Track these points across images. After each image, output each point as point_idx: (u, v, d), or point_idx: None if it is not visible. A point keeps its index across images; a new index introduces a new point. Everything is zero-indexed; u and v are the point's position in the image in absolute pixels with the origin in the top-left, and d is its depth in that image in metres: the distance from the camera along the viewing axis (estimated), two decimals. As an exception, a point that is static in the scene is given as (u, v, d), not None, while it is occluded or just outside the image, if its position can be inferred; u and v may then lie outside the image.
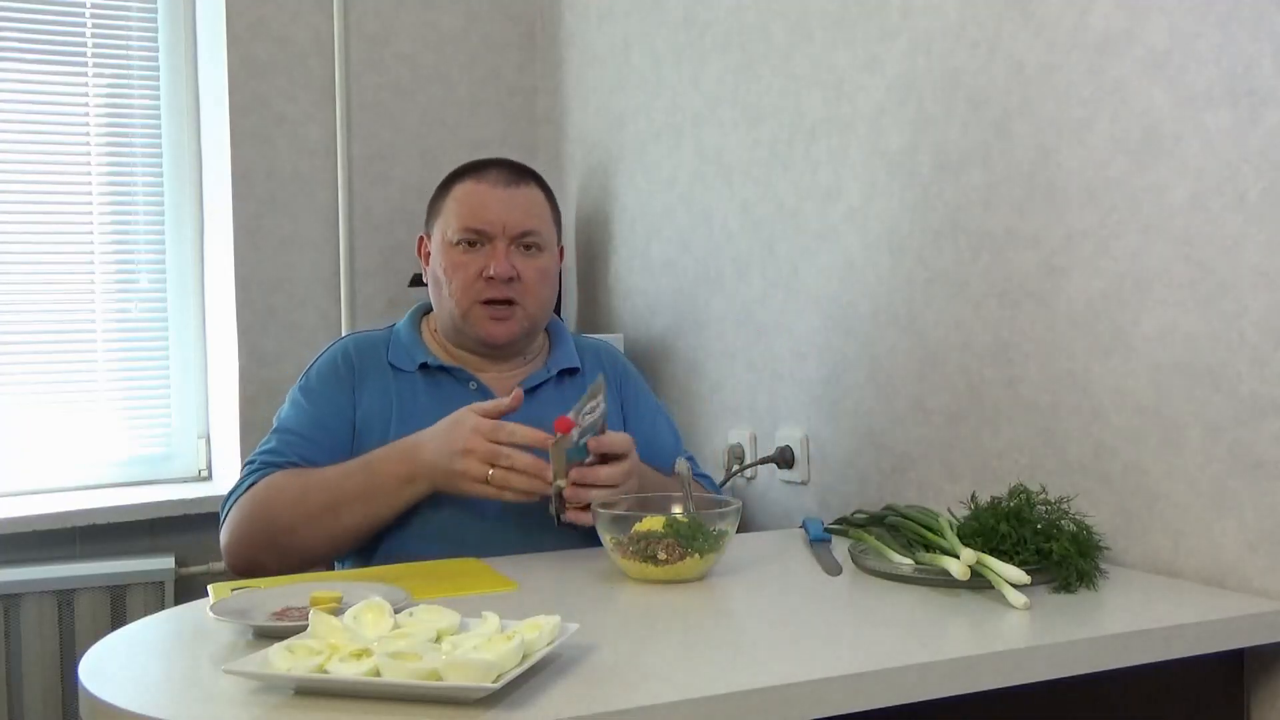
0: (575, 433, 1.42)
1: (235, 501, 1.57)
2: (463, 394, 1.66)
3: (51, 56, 2.60)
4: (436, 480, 1.49)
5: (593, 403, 1.47)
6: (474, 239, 1.66)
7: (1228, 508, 1.30)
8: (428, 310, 1.79)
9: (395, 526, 1.57)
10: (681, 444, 1.82)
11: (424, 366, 1.68)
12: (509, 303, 1.66)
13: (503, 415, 1.50)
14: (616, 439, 1.50)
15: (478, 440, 1.45)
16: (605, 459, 1.48)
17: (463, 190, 1.70)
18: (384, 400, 1.65)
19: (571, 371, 1.75)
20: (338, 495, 1.51)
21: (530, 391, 1.69)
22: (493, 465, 1.44)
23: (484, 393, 1.67)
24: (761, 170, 2.09)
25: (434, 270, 1.71)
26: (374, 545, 1.60)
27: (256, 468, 1.59)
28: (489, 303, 1.65)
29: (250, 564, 1.53)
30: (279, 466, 1.58)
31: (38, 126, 2.59)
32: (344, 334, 2.65)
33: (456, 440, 1.46)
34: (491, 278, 1.64)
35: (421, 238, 1.78)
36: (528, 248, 1.68)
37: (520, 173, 1.72)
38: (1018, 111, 1.56)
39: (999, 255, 1.59)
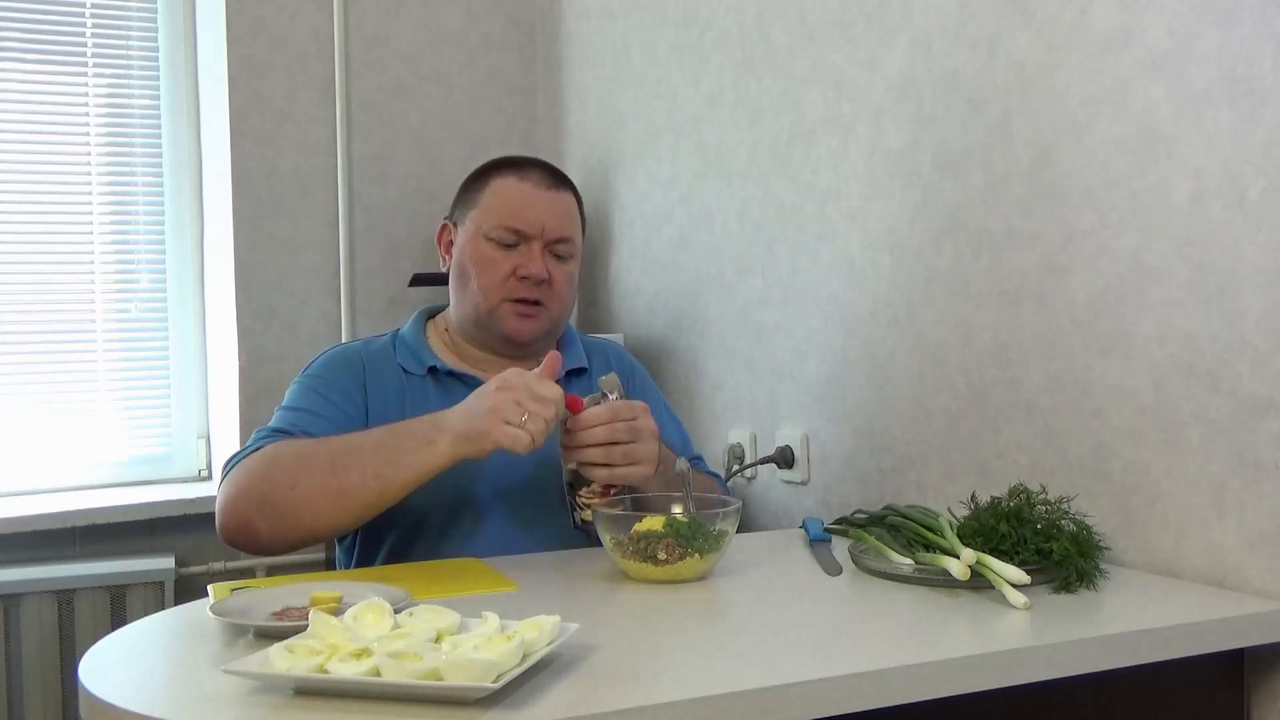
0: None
1: (238, 462, 1.47)
2: None
3: (51, 56, 2.60)
4: (464, 432, 1.35)
5: (611, 396, 1.45)
6: (512, 240, 1.64)
7: (1228, 508, 1.30)
8: (432, 314, 1.77)
9: (398, 526, 1.57)
10: (690, 444, 1.82)
11: (432, 370, 1.66)
12: (536, 303, 1.64)
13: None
14: (611, 406, 1.43)
15: (517, 378, 1.35)
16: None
17: (504, 185, 1.67)
18: (397, 400, 1.62)
19: (580, 372, 1.75)
20: (348, 451, 1.40)
21: None
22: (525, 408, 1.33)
23: None
24: (761, 170, 2.09)
25: (460, 260, 1.68)
26: (376, 547, 1.60)
27: (266, 434, 1.51)
28: (518, 300, 1.63)
29: (242, 525, 1.42)
30: (293, 436, 1.51)
31: (38, 126, 2.59)
32: (345, 335, 2.66)
33: (493, 383, 1.36)
34: (525, 278, 1.62)
35: (445, 225, 1.74)
36: (559, 255, 1.67)
37: (559, 178, 1.71)
38: (1018, 111, 1.56)
39: (999, 255, 1.59)
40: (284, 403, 1.61)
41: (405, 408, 1.61)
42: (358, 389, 1.61)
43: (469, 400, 1.39)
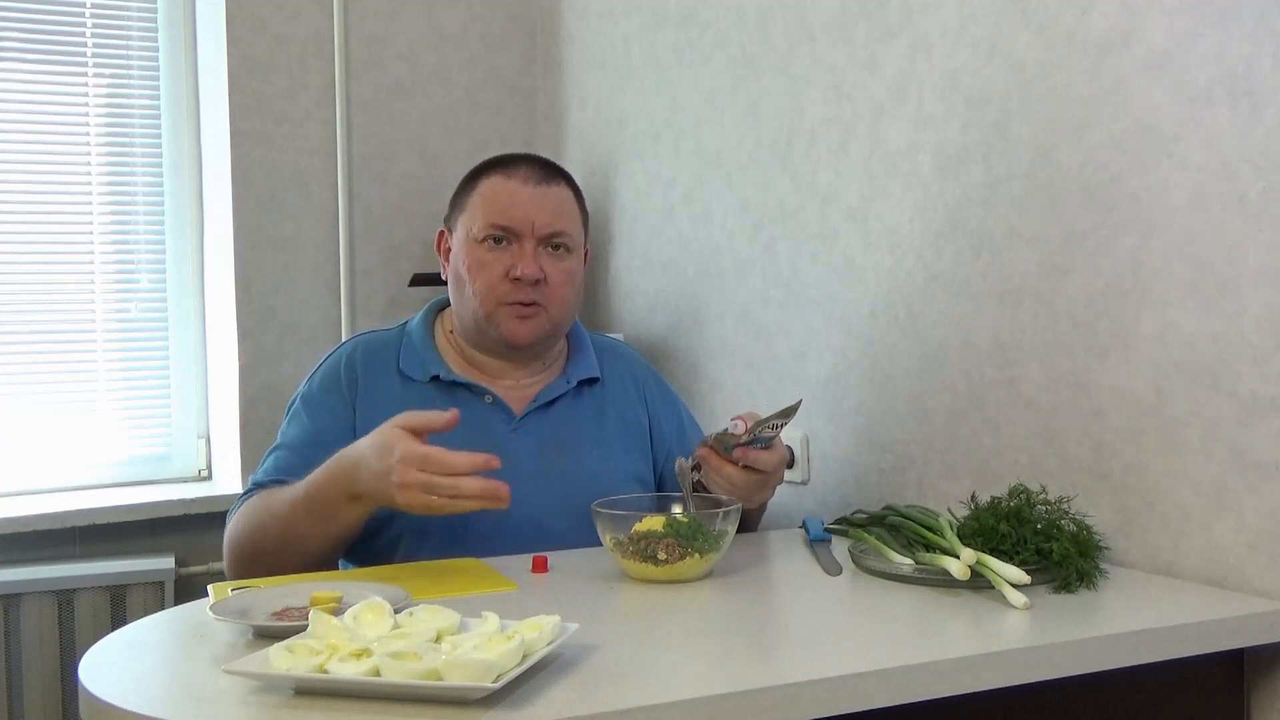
0: (745, 435, 1.44)
1: (229, 522, 1.57)
2: (478, 407, 1.63)
3: (51, 56, 2.60)
4: (383, 503, 1.39)
5: (779, 420, 1.45)
6: (501, 236, 1.61)
7: (1228, 508, 1.30)
8: (443, 306, 1.75)
9: (400, 527, 1.56)
10: None
11: (436, 379, 1.64)
12: (534, 303, 1.61)
13: (449, 431, 1.38)
14: (763, 456, 1.47)
15: (409, 472, 1.31)
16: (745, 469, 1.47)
17: (490, 185, 1.65)
18: (394, 409, 1.55)
19: (591, 381, 1.72)
20: (292, 523, 1.46)
21: (549, 405, 1.67)
22: (433, 494, 1.31)
23: (500, 406, 1.64)
24: (761, 170, 2.09)
25: (455, 267, 1.65)
26: (377, 547, 1.60)
27: (250, 489, 1.59)
28: (514, 303, 1.61)
29: (245, 574, 1.52)
30: (266, 487, 1.57)
31: (38, 126, 2.59)
32: (345, 335, 2.66)
33: (390, 470, 1.33)
34: (518, 279, 1.59)
35: (442, 232, 1.73)
36: (555, 248, 1.63)
37: (551, 171, 1.67)
38: (1018, 111, 1.56)
39: (999, 255, 1.59)
40: (283, 428, 1.66)
41: None
42: (346, 415, 1.62)
43: (373, 462, 1.36)
